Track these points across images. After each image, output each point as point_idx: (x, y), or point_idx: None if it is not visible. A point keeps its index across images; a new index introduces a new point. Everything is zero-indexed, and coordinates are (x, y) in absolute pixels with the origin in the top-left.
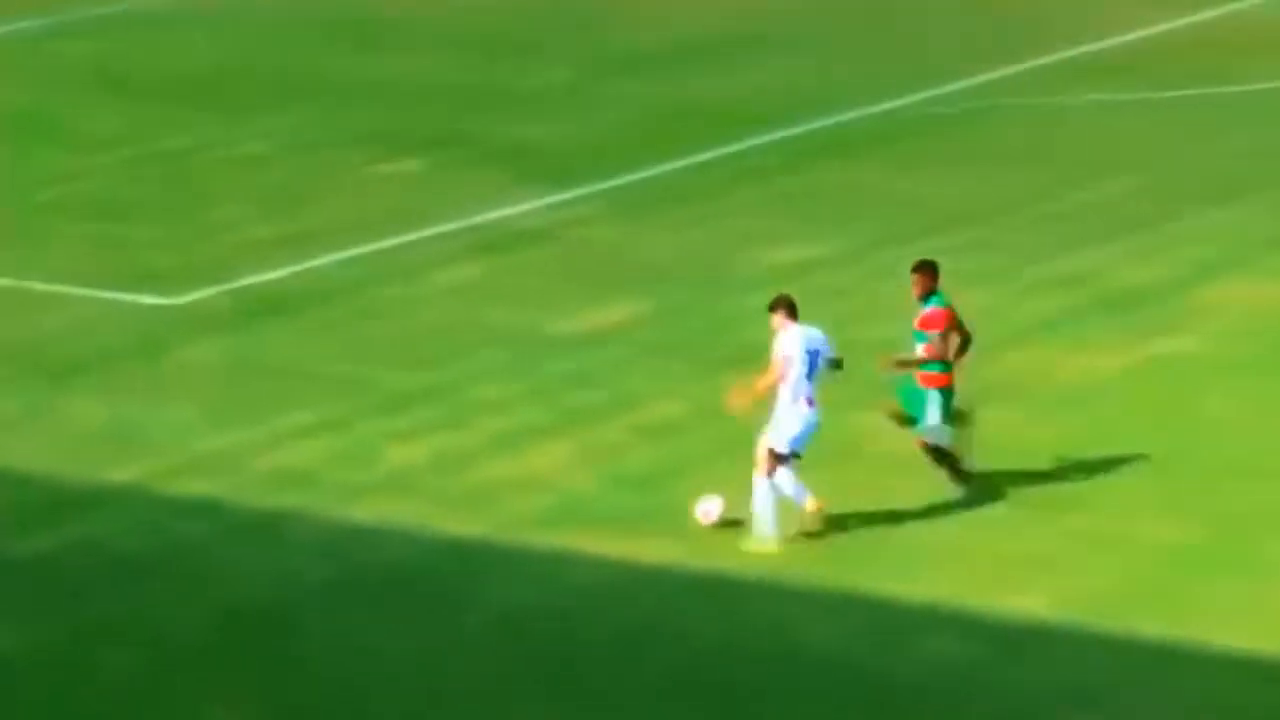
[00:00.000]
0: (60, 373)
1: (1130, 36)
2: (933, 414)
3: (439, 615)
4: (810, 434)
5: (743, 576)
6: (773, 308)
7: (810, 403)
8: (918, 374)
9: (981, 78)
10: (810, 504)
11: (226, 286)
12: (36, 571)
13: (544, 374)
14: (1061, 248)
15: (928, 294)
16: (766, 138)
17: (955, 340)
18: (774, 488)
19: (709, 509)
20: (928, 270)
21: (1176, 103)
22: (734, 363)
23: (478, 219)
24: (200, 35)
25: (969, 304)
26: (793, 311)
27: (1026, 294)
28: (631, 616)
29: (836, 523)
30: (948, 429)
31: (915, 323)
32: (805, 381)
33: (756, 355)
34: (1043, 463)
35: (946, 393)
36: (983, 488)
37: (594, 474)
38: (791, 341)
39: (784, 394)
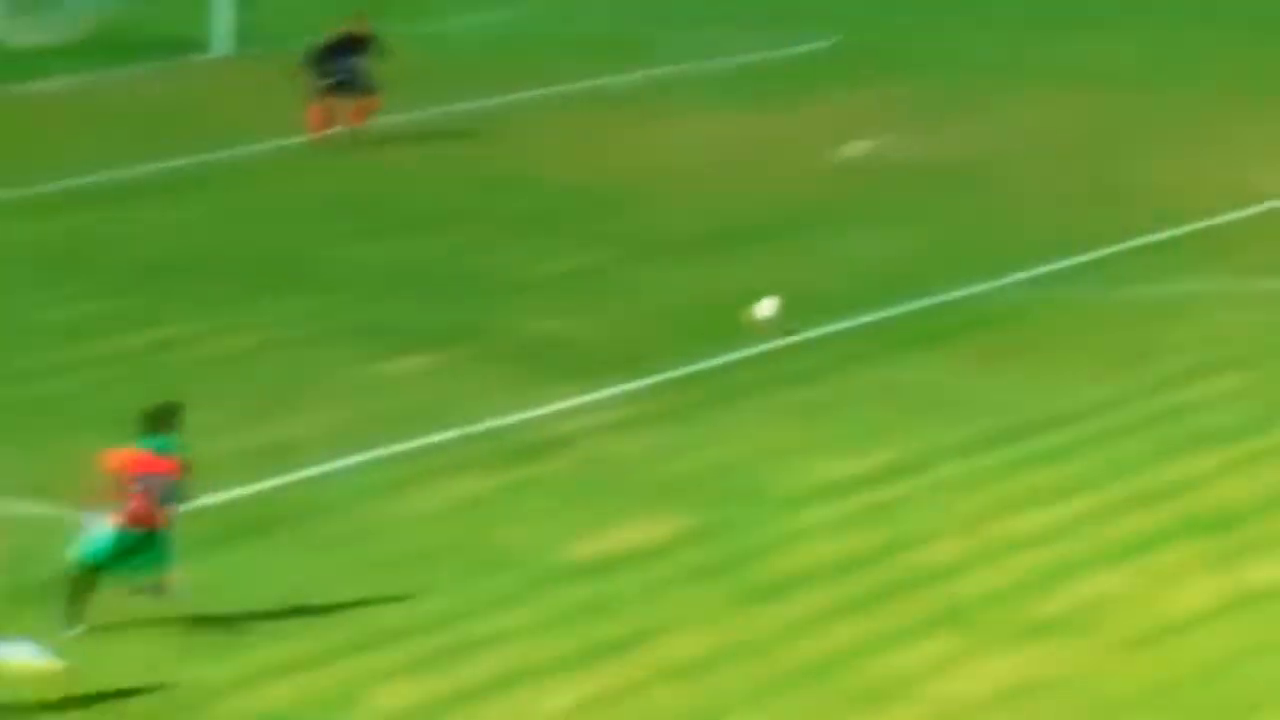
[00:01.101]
0: (9, 594)
1: (1249, 212)
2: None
3: None
4: None
5: None
6: None
7: None
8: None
9: (1057, 264)
10: None
11: (202, 502)
12: None
13: (557, 603)
14: (1153, 458)
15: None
16: (815, 332)
17: None
18: None
19: None
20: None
21: None
22: (777, 590)
23: (489, 424)
24: (176, 214)
25: (1026, 525)
26: None
27: (1100, 515)
28: None
29: None
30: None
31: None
32: None
33: (802, 582)
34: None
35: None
36: None
37: None
38: None
39: None
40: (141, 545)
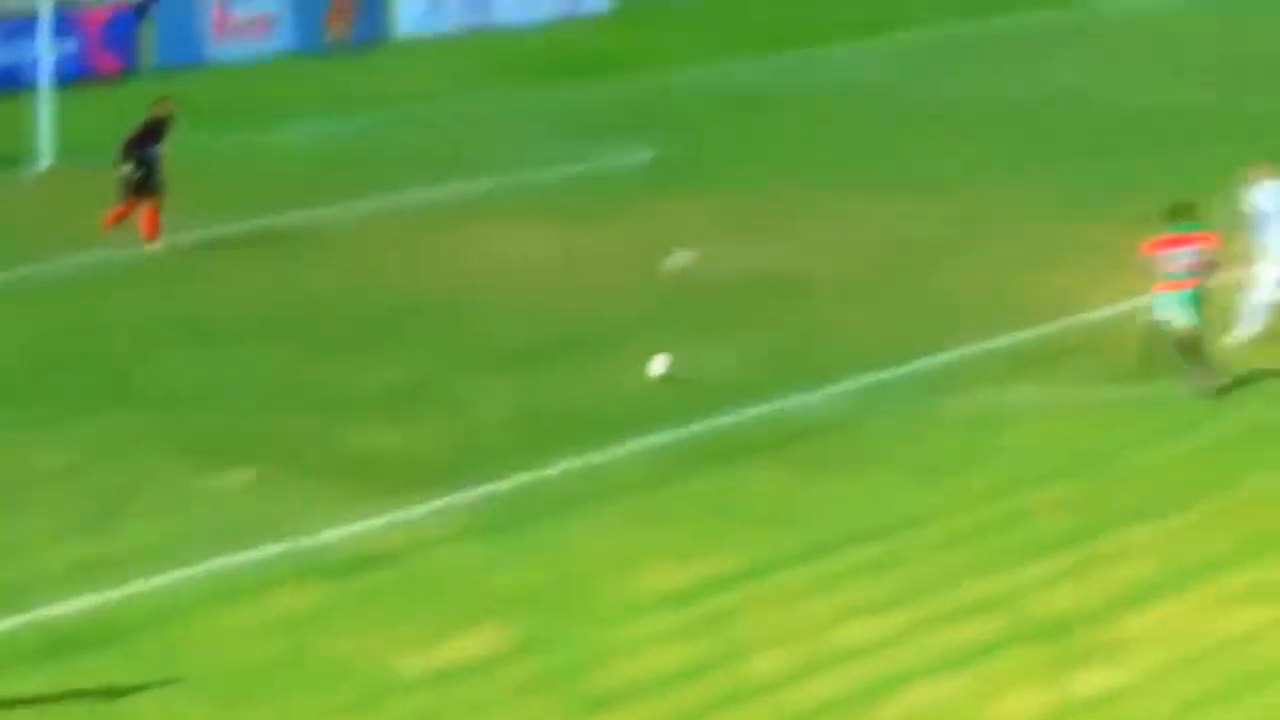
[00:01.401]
0: None
1: (1070, 322)
2: None
3: None
4: None
5: None
6: None
7: None
8: None
9: (882, 374)
10: None
11: (21, 619)
12: None
13: (387, 718)
14: (981, 566)
15: None
16: (636, 444)
17: None
18: None
19: None
20: None
21: (1113, 403)
22: (608, 702)
23: (316, 538)
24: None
25: (856, 635)
26: None
27: (929, 624)
28: None
29: None
30: None
31: None
32: None
33: (634, 693)
34: None
35: None
36: None
37: None
38: None
39: None
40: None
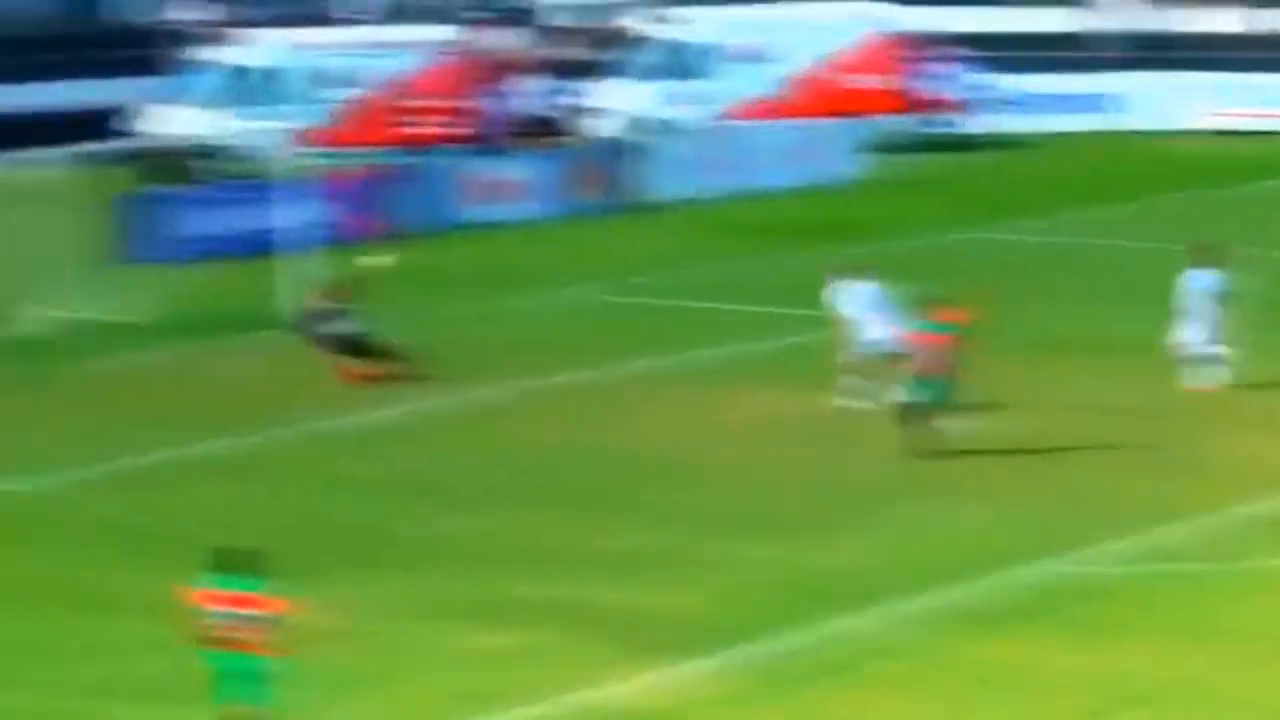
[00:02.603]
0: None
1: None
2: None
3: None
4: None
5: None
6: None
7: None
8: None
9: (1142, 537)
10: None
11: None
12: None
13: None
14: None
15: None
16: (895, 607)
17: None
18: None
19: None
20: None
21: None
22: None
23: (580, 697)
24: (243, 490)
25: None
26: None
27: None
28: None
29: None
30: None
31: None
32: None
33: None
34: None
35: None
36: None
37: None
38: None
39: None
40: None
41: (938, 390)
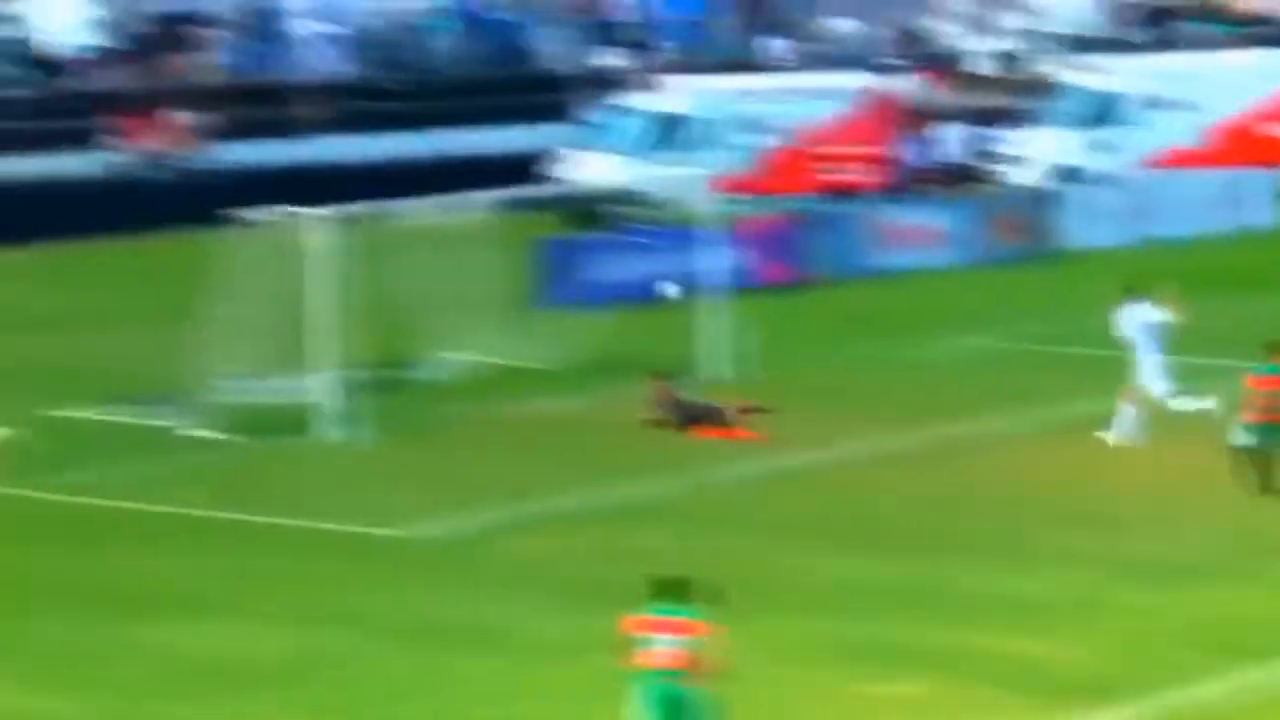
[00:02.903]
0: None
1: None
2: None
3: None
4: None
5: None
6: None
7: None
8: None
9: None
10: None
11: None
12: None
13: None
14: None
15: None
16: None
17: None
18: None
19: None
20: None
21: None
22: None
23: None
24: (663, 533)
25: None
26: None
27: None
28: None
29: None
30: None
31: None
32: None
33: None
34: None
35: None
36: None
37: None
38: None
39: None
40: None
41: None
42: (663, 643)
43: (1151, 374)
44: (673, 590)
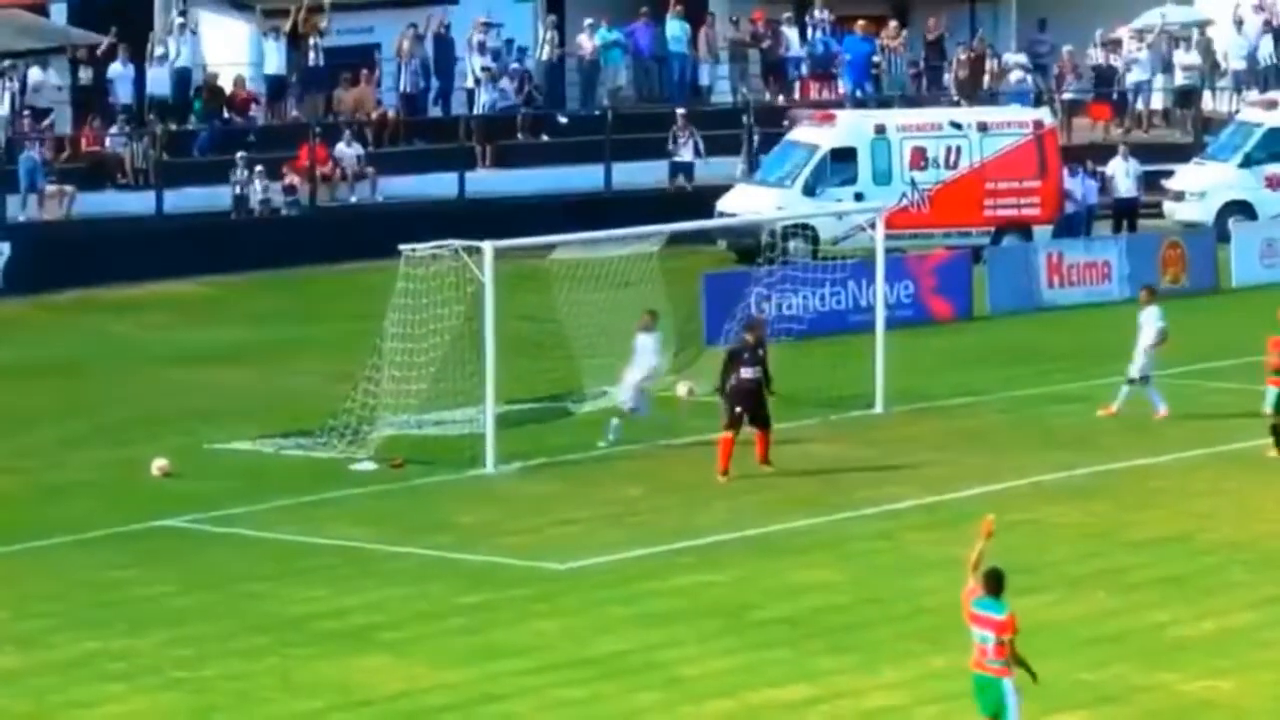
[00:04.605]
0: None
1: None
2: None
3: None
4: None
5: None
6: None
7: None
8: None
9: None
10: None
11: None
12: None
13: None
14: None
15: None
16: None
17: None
18: None
19: None
20: None
21: None
22: None
23: None
24: (820, 574)
25: None
26: None
27: None
28: None
29: None
30: None
31: None
32: None
33: None
34: None
35: None
36: None
37: None
38: None
39: None
40: None
41: None
42: (983, 640)
43: None
44: (996, 585)
